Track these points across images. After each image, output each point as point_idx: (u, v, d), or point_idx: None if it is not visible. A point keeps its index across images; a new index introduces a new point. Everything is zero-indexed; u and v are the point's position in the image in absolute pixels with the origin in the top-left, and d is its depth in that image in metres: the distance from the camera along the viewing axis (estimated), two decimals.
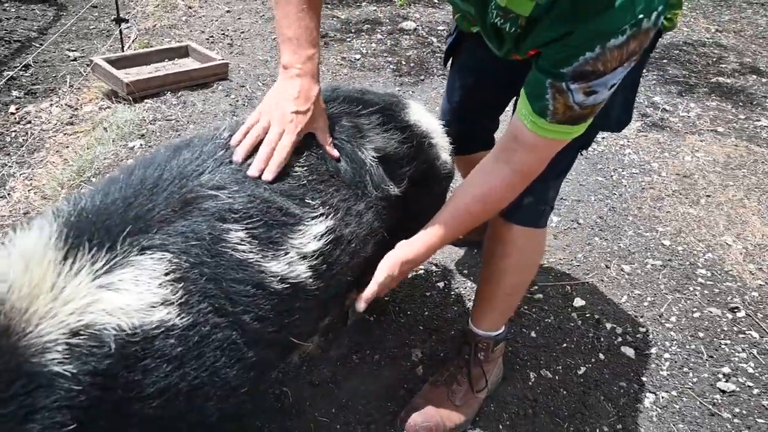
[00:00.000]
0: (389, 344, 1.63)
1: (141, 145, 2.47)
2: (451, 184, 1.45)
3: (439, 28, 3.98)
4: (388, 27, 3.94)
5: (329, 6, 4.29)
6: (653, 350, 1.66)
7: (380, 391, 1.50)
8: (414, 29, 3.91)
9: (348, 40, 3.72)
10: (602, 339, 1.68)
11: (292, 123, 1.01)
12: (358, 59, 3.44)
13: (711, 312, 1.79)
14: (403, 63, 3.42)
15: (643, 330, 1.72)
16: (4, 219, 2.05)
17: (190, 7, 4.04)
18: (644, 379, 1.57)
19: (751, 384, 1.57)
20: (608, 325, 1.73)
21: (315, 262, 0.93)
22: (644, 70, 3.50)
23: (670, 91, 3.28)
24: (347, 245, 1.01)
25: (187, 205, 0.84)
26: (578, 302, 1.81)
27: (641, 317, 1.77)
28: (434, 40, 3.78)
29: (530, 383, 1.53)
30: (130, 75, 2.83)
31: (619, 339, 1.69)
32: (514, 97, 1.05)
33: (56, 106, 2.86)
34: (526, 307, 1.78)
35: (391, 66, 3.38)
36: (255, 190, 0.91)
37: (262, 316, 0.86)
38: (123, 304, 0.72)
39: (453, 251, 2.01)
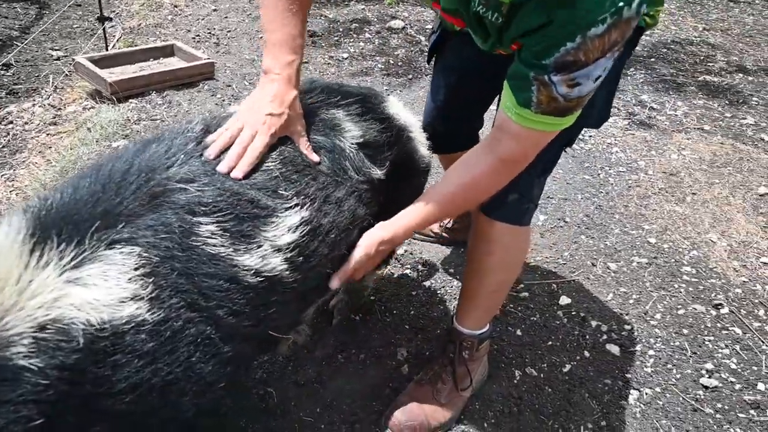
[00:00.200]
0: (375, 343, 1.62)
1: (125, 145, 2.45)
2: (432, 180, 1.45)
3: (427, 27, 3.97)
4: (377, 26, 3.93)
5: (317, 5, 4.27)
6: (638, 347, 1.66)
7: (365, 390, 1.49)
8: (402, 28, 3.91)
9: (336, 39, 3.70)
10: (587, 337, 1.69)
11: (265, 125, 1.01)
12: (345, 58, 3.43)
13: (695, 309, 1.80)
14: (392, 62, 3.41)
15: (628, 327, 1.72)
16: None
17: (176, 6, 4.00)
18: (628, 376, 1.57)
19: (733, 380, 1.58)
20: (593, 323, 1.73)
21: (291, 255, 0.92)
22: (632, 69, 3.53)
23: (657, 90, 3.30)
24: (326, 236, 0.99)
25: (155, 199, 0.83)
26: (564, 300, 1.81)
27: (626, 315, 1.77)
28: (423, 39, 3.78)
29: (515, 381, 1.53)
30: (114, 74, 2.80)
31: (605, 336, 1.69)
32: (499, 94, 1.05)
33: (39, 106, 2.82)
34: (511, 306, 1.78)
35: (380, 65, 3.37)
36: (225, 182, 0.90)
37: (237, 311, 0.85)
38: (91, 298, 0.71)
39: (439, 250, 2.01)
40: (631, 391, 1.53)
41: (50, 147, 2.54)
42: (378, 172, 1.11)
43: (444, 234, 2.02)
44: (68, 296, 0.71)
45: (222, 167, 0.93)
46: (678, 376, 1.58)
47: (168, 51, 3.12)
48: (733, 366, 1.62)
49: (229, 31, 3.67)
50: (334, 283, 1.06)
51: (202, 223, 0.84)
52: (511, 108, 0.97)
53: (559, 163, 2.49)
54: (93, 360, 0.72)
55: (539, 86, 0.90)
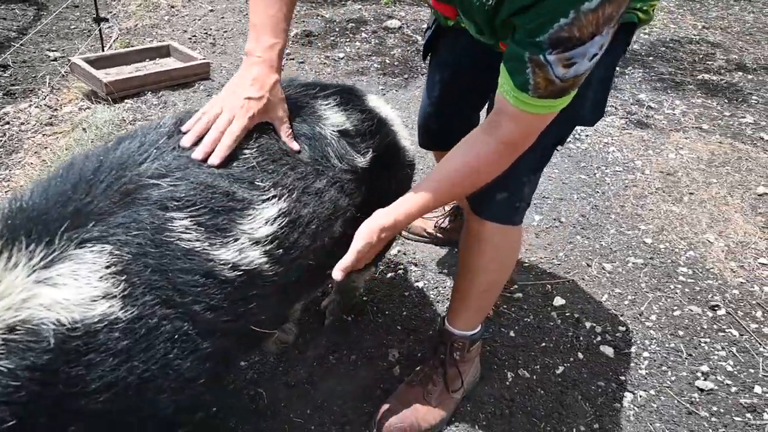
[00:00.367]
0: (366, 344, 1.61)
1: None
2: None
3: (424, 26, 3.95)
4: (373, 26, 3.92)
5: (314, 4, 4.27)
6: (632, 349, 1.64)
7: (356, 391, 1.48)
8: (399, 28, 3.90)
9: (332, 39, 3.69)
10: (581, 338, 1.67)
11: (243, 108, 0.99)
12: (341, 58, 3.42)
13: (691, 310, 1.78)
14: (388, 62, 3.40)
15: (623, 329, 1.71)
16: None
17: (172, 7, 4.00)
18: (622, 378, 1.55)
19: (729, 382, 1.56)
20: (588, 324, 1.72)
21: (270, 247, 0.91)
22: (630, 67, 3.51)
23: (655, 88, 3.28)
24: (306, 227, 0.98)
25: (126, 196, 0.82)
26: (558, 301, 1.80)
27: (621, 316, 1.76)
28: (419, 38, 3.77)
29: (507, 383, 1.52)
30: (110, 75, 2.80)
31: (599, 338, 1.67)
32: (494, 88, 1.02)
33: (35, 107, 2.82)
34: (505, 306, 1.77)
35: (376, 65, 3.36)
36: (199, 176, 0.88)
37: (215, 306, 0.84)
38: (62, 298, 0.70)
39: (433, 250, 1.99)
40: (625, 393, 1.51)
41: (46, 147, 2.54)
42: (362, 161, 1.10)
43: (438, 234, 2.01)
44: (37, 297, 0.70)
45: (197, 154, 0.91)
46: (673, 378, 1.57)
47: (164, 51, 3.12)
48: (730, 368, 1.60)
49: (226, 32, 3.66)
50: (337, 275, 1.02)
51: (175, 218, 0.82)
52: (509, 91, 0.95)
53: (554, 163, 2.51)
54: (65, 360, 0.71)
55: (534, 68, 0.88)
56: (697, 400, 1.50)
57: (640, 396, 1.51)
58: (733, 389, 1.53)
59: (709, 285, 1.88)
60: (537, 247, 2.04)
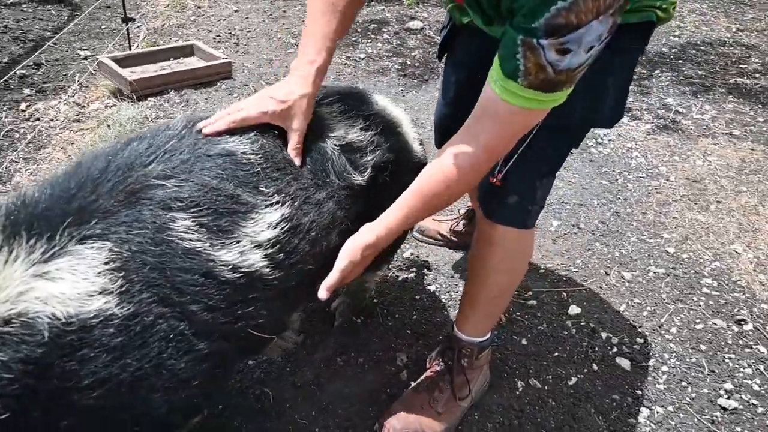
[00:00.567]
0: (375, 347, 1.60)
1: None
2: None
3: None
4: (395, 27, 3.91)
5: None
6: (650, 362, 1.59)
7: (363, 395, 1.46)
8: (421, 29, 3.87)
9: (354, 39, 3.69)
10: (596, 349, 1.62)
11: (260, 104, 1.02)
12: (362, 59, 3.41)
13: (715, 324, 1.71)
14: (408, 63, 3.38)
15: (641, 341, 1.65)
16: None
17: (199, 7, 4.06)
18: (639, 392, 1.50)
19: (755, 402, 1.49)
20: (604, 335, 1.66)
21: (271, 251, 0.91)
22: (657, 70, 3.41)
23: (684, 92, 3.18)
24: (307, 234, 0.98)
25: (131, 195, 0.83)
26: (574, 310, 1.75)
27: (640, 327, 1.70)
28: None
29: (517, 393, 1.48)
30: (135, 73, 2.85)
31: (615, 349, 1.62)
32: None
33: (64, 104, 2.89)
34: (518, 314, 1.73)
35: (396, 66, 3.35)
36: (204, 179, 0.89)
37: (213, 306, 0.84)
38: (58, 292, 0.71)
39: (447, 254, 1.96)
40: (641, 408, 1.46)
41: (72, 143, 2.60)
42: (359, 179, 1.09)
43: (452, 238, 1.98)
44: (34, 290, 0.71)
45: (200, 125, 0.95)
46: (693, 395, 1.50)
47: (188, 51, 3.17)
48: (756, 387, 1.53)
49: (249, 32, 3.70)
50: (323, 294, 1.03)
51: (177, 219, 0.83)
52: (498, 81, 0.91)
53: (575, 167, 2.46)
54: (59, 354, 0.71)
55: (526, 51, 0.84)
56: (719, 419, 1.44)
57: (657, 412, 1.45)
58: (760, 410, 1.46)
59: (736, 298, 1.81)
60: (554, 254, 1.99)
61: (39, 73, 3.20)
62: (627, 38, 1.04)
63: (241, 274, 0.87)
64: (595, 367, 1.56)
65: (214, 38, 3.61)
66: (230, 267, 0.86)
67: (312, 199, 1.01)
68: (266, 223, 0.91)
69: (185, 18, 3.89)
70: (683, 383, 1.53)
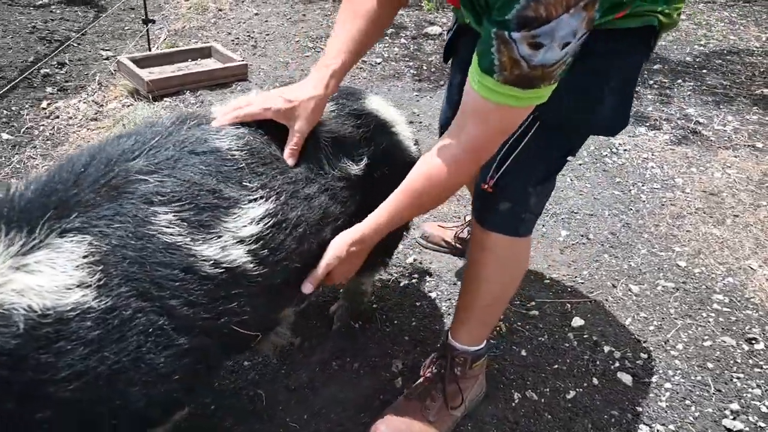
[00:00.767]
0: (371, 353, 1.59)
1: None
2: None
3: None
4: (413, 32, 3.91)
5: None
6: (653, 378, 1.54)
7: (356, 400, 1.45)
8: (439, 34, 3.86)
9: None
10: (598, 363, 1.58)
11: (265, 102, 1.03)
12: (378, 63, 3.42)
13: (724, 342, 1.65)
14: (424, 68, 3.37)
15: (645, 356, 1.60)
16: None
17: (220, 10, 4.13)
18: (639, 409, 1.46)
19: (762, 425, 1.43)
20: (606, 348, 1.62)
21: (254, 247, 0.91)
22: (679, 80, 3.33)
23: (706, 102, 3.10)
24: (293, 229, 0.97)
25: (113, 190, 0.83)
26: (577, 322, 1.71)
27: (644, 342, 1.65)
28: None
29: (513, 404, 1.45)
30: (153, 74, 2.90)
31: (617, 364, 1.58)
32: None
33: (83, 102, 2.96)
34: (519, 324, 1.70)
35: (412, 71, 3.34)
36: (187, 174, 0.89)
37: (194, 302, 0.84)
38: (35, 285, 0.72)
39: (451, 261, 1.94)
40: (641, 426, 1.42)
41: (89, 141, 2.66)
42: (355, 168, 1.08)
43: (457, 245, 1.96)
44: (11, 282, 0.72)
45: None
46: (697, 414, 1.45)
47: (206, 52, 3.22)
48: (764, 409, 1.47)
49: (268, 35, 3.74)
50: (307, 288, 1.04)
51: (159, 213, 0.83)
52: (475, 76, 0.90)
53: (587, 177, 2.41)
54: (35, 346, 0.72)
55: (500, 45, 0.84)
56: None
57: (658, 430, 1.41)
58: None
59: (748, 315, 1.74)
60: (560, 264, 1.96)
61: (62, 72, 3.28)
62: (625, 42, 1.02)
63: (222, 270, 0.87)
64: (595, 381, 1.53)
65: (233, 41, 3.66)
66: (212, 262, 0.86)
67: (301, 194, 1.00)
68: (249, 218, 0.91)
69: (206, 20, 3.96)
70: (687, 402, 1.48)
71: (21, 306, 0.71)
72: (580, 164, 2.52)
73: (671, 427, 1.42)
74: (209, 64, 3.15)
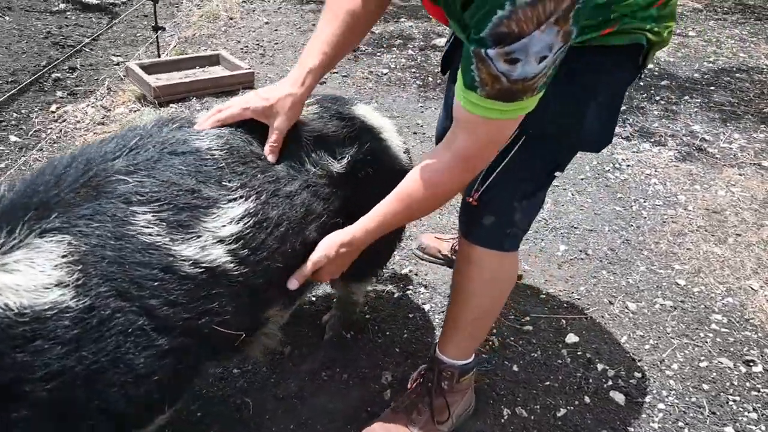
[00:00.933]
0: (361, 364, 1.58)
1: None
2: None
3: None
4: (421, 43, 3.93)
5: None
6: (647, 398, 1.51)
7: (344, 411, 1.45)
8: None
9: (378, 54, 3.73)
10: (591, 380, 1.56)
11: (243, 101, 1.06)
12: (385, 74, 3.44)
13: (721, 363, 1.63)
14: (430, 79, 3.39)
15: (639, 375, 1.58)
16: None
17: (231, 18, 4.18)
18: (631, 429, 1.43)
19: None
20: (600, 366, 1.60)
21: (234, 246, 0.91)
22: (686, 96, 3.31)
23: (713, 119, 3.07)
24: (275, 228, 0.97)
25: (92, 190, 0.85)
26: (571, 338, 1.69)
27: (639, 361, 1.63)
28: None
29: (502, 420, 1.44)
30: (160, 80, 2.94)
31: (610, 382, 1.55)
32: None
33: (91, 107, 3.01)
34: (512, 339, 1.68)
35: (418, 82, 3.35)
36: (166, 174, 0.90)
37: (173, 302, 0.85)
38: (13, 284, 0.73)
39: (446, 273, 1.93)
40: None
41: None
42: (337, 166, 1.09)
43: (453, 257, 1.95)
44: None
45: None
46: None
47: (214, 60, 3.26)
48: None
49: (276, 44, 3.78)
50: (292, 284, 1.05)
51: (138, 213, 0.84)
52: (460, 92, 0.92)
53: (589, 192, 2.40)
54: (11, 345, 0.73)
55: (478, 63, 0.85)
56: None
57: None
58: None
59: (746, 337, 1.71)
60: (558, 279, 1.94)
61: (73, 76, 3.34)
62: (613, 58, 1.02)
63: (202, 270, 0.87)
64: (587, 399, 1.50)
65: (242, 49, 3.70)
66: (191, 262, 0.86)
67: (282, 192, 1.00)
68: (229, 217, 0.91)
69: (216, 28, 4.01)
70: (680, 423, 1.45)
71: None
72: (582, 179, 2.51)
73: None
74: (217, 71, 3.19)
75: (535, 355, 1.64)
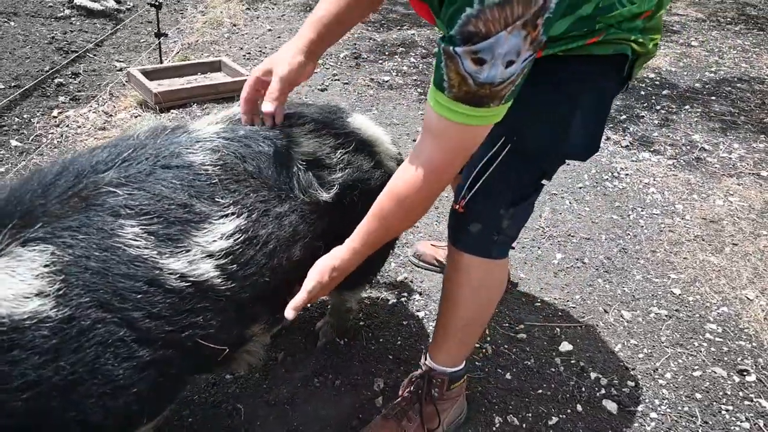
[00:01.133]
0: (354, 370, 1.58)
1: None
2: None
3: None
4: (423, 50, 3.95)
5: (368, 28, 4.36)
6: (639, 407, 1.51)
7: (336, 417, 1.45)
8: None
9: (380, 62, 3.75)
10: (583, 389, 1.55)
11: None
12: (386, 81, 3.45)
13: (715, 372, 1.62)
14: None
15: (632, 384, 1.57)
16: None
17: (234, 25, 4.22)
18: None
19: None
20: (593, 375, 1.60)
21: (223, 262, 0.91)
22: (687, 106, 3.31)
23: (713, 129, 3.07)
24: (264, 246, 0.98)
25: (81, 201, 0.85)
26: (565, 347, 1.69)
27: (632, 370, 1.62)
28: None
29: (494, 428, 1.43)
30: (162, 86, 2.97)
31: (603, 391, 1.55)
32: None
33: (93, 112, 3.04)
34: (506, 346, 1.68)
35: (419, 89, 3.37)
36: (157, 188, 0.91)
37: (157, 314, 0.85)
38: None
39: (441, 281, 1.93)
40: None
41: None
42: (325, 196, 1.09)
43: None
44: None
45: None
46: None
47: (216, 66, 3.28)
48: None
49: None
50: (289, 314, 1.04)
51: (126, 225, 0.85)
52: (431, 92, 0.92)
53: (587, 201, 2.40)
54: None
55: (447, 60, 0.85)
56: None
57: None
58: None
59: (740, 346, 1.71)
60: (553, 287, 1.94)
61: (75, 82, 3.37)
62: (598, 68, 1.02)
63: (189, 283, 0.88)
64: (579, 408, 1.50)
65: (244, 55, 3.73)
66: (178, 275, 0.87)
67: (272, 212, 1.01)
68: (219, 233, 0.92)
69: (219, 35, 4.04)
70: None
71: None
72: (580, 187, 2.51)
73: None
74: (218, 77, 3.21)
75: (529, 363, 1.63)
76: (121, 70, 3.53)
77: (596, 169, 2.63)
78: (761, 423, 1.48)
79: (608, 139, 2.90)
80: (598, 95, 1.06)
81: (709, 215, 2.33)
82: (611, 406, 1.50)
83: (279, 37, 4.08)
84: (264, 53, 3.77)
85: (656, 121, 3.14)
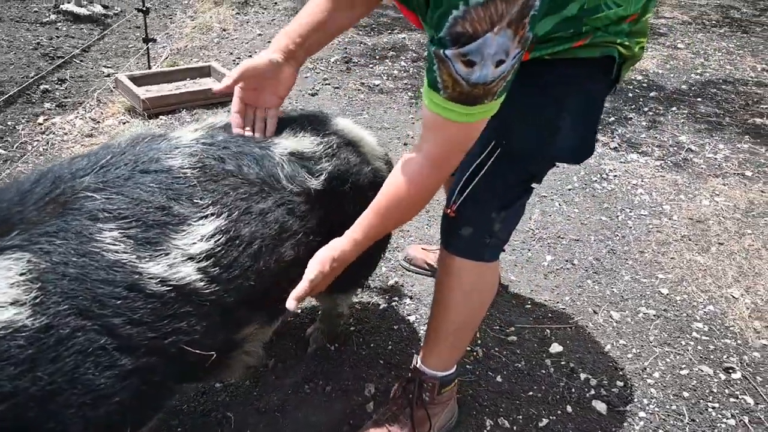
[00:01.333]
0: (345, 376, 1.58)
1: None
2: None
3: None
4: (414, 54, 3.96)
5: (360, 32, 4.37)
6: (628, 407, 1.52)
7: (327, 423, 1.44)
8: None
9: (370, 66, 3.75)
10: (573, 390, 1.56)
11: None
12: (376, 85, 3.46)
13: (701, 370, 1.64)
14: (423, 90, 3.41)
15: (621, 384, 1.59)
16: None
17: (224, 30, 4.21)
18: None
19: None
20: (583, 376, 1.61)
21: (204, 264, 0.90)
22: (674, 108, 3.35)
23: (699, 130, 3.11)
24: (247, 246, 0.97)
25: (59, 207, 0.84)
26: (555, 348, 1.70)
27: (621, 370, 1.64)
28: None
29: (485, 431, 1.44)
30: (150, 92, 2.95)
31: (592, 391, 1.56)
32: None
33: (80, 119, 3.01)
34: (496, 349, 1.69)
35: (409, 93, 3.38)
36: (135, 192, 0.90)
37: (138, 320, 0.83)
38: None
39: (432, 284, 1.93)
40: None
41: None
42: (314, 183, 1.09)
43: None
44: None
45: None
46: None
47: (205, 72, 3.27)
48: None
49: None
50: (291, 304, 1.03)
51: (104, 230, 0.83)
52: (425, 92, 0.93)
53: (576, 202, 2.42)
54: None
55: (439, 64, 0.86)
56: None
57: None
58: None
59: (726, 344, 1.73)
60: (543, 289, 1.95)
61: (61, 88, 3.34)
62: (585, 70, 1.04)
63: (170, 288, 0.86)
64: (569, 409, 1.51)
65: (234, 60, 3.72)
66: (158, 280, 0.85)
67: (254, 209, 1.00)
68: (199, 235, 0.91)
69: (209, 40, 4.03)
70: (660, 431, 1.46)
71: None
72: (569, 189, 2.53)
73: None
74: (207, 83, 3.20)
75: (519, 365, 1.64)
76: (108, 75, 3.51)
77: (585, 171, 2.65)
78: (746, 419, 1.50)
79: (597, 141, 2.92)
80: (585, 98, 1.07)
81: (696, 215, 2.36)
82: (601, 406, 1.51)
83: (269, 42, 4.07)
84: None
85: (644, 123, 3.18)
